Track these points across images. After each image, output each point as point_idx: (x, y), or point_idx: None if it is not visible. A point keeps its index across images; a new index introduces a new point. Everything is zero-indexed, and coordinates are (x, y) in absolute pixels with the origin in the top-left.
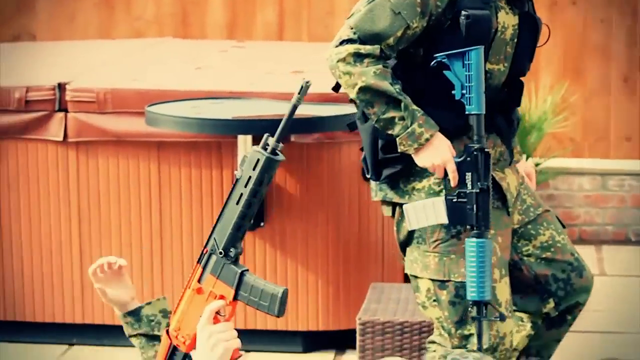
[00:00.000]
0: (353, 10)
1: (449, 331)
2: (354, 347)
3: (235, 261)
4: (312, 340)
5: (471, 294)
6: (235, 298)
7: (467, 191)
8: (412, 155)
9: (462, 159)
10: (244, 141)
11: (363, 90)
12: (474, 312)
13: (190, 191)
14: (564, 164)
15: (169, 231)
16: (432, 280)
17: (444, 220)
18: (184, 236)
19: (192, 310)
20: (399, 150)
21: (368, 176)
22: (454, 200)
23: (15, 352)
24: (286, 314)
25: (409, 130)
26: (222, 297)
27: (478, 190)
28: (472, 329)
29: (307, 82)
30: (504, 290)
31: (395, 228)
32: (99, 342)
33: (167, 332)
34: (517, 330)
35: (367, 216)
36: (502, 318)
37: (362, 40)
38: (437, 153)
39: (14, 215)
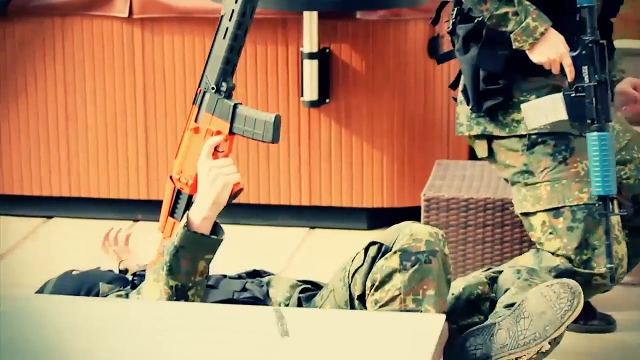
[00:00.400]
0: None
1: (569, 259)
2: None
3: (228, 96)
4: (377, 217)
5: (596, 189)
6: (231, 131)
7: (585, 85)
8: (527, 52)
9: (577, 52)
10: (309, 18)
11: None
12: (600, 208)
13: (256, 68)
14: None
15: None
16: (547, 210)
17: (564, 116)
18: (168, 110)
19: (192, 150)
20: (513, 47)
21: (469, 106)
22: (572, 95)
23: None
24: (351, 191)
25: (523, 24)
26: (218, 133)
27: (596, 83)
28: (589, 252)
29: None
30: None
31: (494, 166)
32: (78, 214)
33: (171, 177)
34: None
35: (433, 94)
36: (628, 213)
37: None
38: (552, 47)
39: (79, 92)
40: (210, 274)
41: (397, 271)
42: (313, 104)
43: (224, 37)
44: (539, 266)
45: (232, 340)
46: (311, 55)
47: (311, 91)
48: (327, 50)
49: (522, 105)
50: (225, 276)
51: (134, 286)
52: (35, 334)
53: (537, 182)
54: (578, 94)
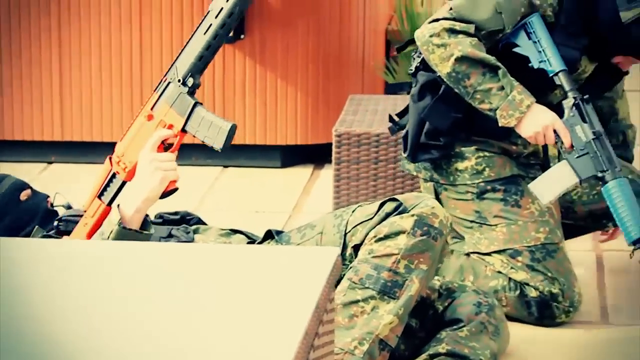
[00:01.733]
0: None
1: (535, 284)
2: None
3: (191, 93)
4: (291, 155)
5: (633, 234)
6: (184, 128)
7: (585, 142)
8: (515, 128)
9: (565, 117)
10: None
11: (460, 60)
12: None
13: (171, 2)
14: None
15: (149, 47)
16: (502, 251)
17: (576, 179)
18: (164, 52)
19: (140, 136)
20: (499, 125)
21: (404, 155)
22: (576, 156)
23: None
24: (265, 128)
25: (509, 98)
26: (171, 127)
27: (594, 137)
28: (554, 286)
29: None
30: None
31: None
32: (77, 159)
33: (110, 158)
34: None
35: (348, 29)
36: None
37: (458, 21)
38: (540, 117)
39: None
40: None
41: (406, 233)
42: (227, 40)
43: (204, 33)
44: (513, 294)
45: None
46: None
47: None
48: None
49: (529, 186)
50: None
51: (58, 232)
52: None
53: (492, 225)
54: (581, 154)
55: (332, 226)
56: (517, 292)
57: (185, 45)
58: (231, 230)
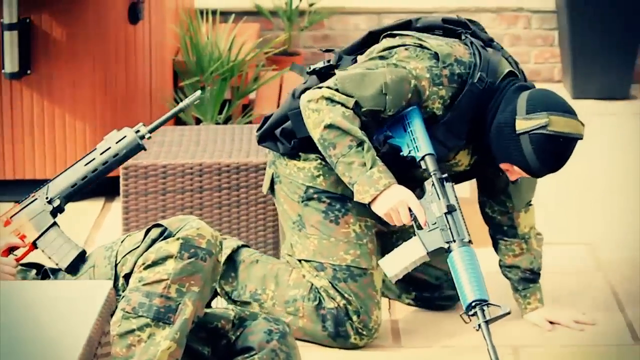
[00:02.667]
0: (353, 66)
1: (334, 296)
2: None
3: (54, 214)
4: None
5: (471, 295)
6: (35, 242)
7: (437, 217)
8: (370, 205)
9: (423, 197)
10: None
11: (329, 127)
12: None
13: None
14: (339, 3)
15: None
16: (311, 261)
17: (423, 251)
18: None
19: None
20: (354, 199)
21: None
22: (428, 230)
23: None
24: (54, 162)
25: (368, 174)
26: (23, 237)
27: (446, 211)
28: (351, 308)
29: (199, 96)
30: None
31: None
32: None
33: None
34: None
35: (135, 60)
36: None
37: (340, 92)
38: (395, 195)
39: None
40: None
41: (173, 257)
42: (14, 76)
43: (85, 164)
44: (311, 304)
45: None
46: (11, 27)
47: (12, 63)
48: (28, 21)
49: (379, 262)
50: None
51: None
52: None
53: (307, 234)
54: (432, 228)
55: (103, 258)
56: (315, 302)
57: (65, 170)
58: (28, 264)
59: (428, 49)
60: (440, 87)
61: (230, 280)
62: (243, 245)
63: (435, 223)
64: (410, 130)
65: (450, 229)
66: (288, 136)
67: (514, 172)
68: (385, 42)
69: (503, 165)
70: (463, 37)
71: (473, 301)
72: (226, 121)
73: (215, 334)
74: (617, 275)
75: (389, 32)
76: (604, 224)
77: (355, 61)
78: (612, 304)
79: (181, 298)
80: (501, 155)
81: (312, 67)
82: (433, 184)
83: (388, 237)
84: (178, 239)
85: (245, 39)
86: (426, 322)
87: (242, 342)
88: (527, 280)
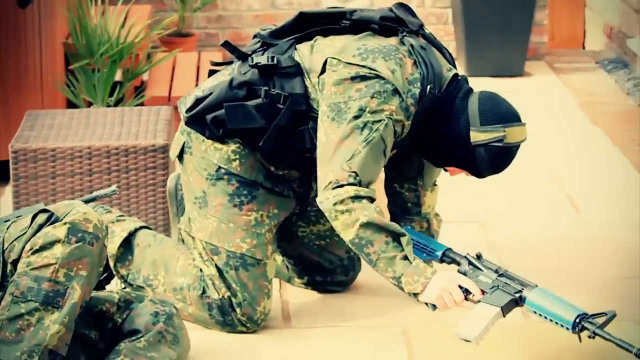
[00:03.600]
0: (351, 151)
1: (219, 287)
2: None
3: None
4: None
5: (569, 319)
6: None
7: (491, 282)
8: (419, 294)
9: (464, 270)
10: None
11: (365, 225)
12: None
13: None
14: None
15: None
16: (207, 242)
17: (497, 309)
18: None
19: None
20: (404, 291)
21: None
22: (488, 295)
23: None
24: None
25: (414, 264)
26: None
27: (498, 274)
28: (235, 298)
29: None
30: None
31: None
32: None
33: None
34: None
35: (25, 44)
36: None
37: (362, 183)
38: (442, 278)
39: None
40: None
41: (60, 242)
42: None
43: None
44: (196, 293)
45: None
46: None
47: None
48: None
49: (456, 334)
50: None
51: None
52: None
53: (208, 214)
54: (492, 291)
55: None
56: (200, 291)
57: None
58: None
59: (385, 80)
60: (410, 114)
61: (127, 264)
62: (142, 227)
63: (492, 287)
64: (416, 242)
65: (511, 285)
66: (218, 124)
67: (456, 171)
68: (337, 77)
69: (449, 167)
70: (400, 36)
71: (576, 317)
72: (117, 103)
73: (101, 318)
74: (509, 254)
75: (323, 28)
76: (497, 202)
77: (296, 44)
78: None
79: (69, 282)
80: (451, 162)
81: (256, 60)
82: (470, 263)
83: (287, 217)
84: (65, 223)
85: (135, 21)
86: (316, 303)
87: (129, 324)
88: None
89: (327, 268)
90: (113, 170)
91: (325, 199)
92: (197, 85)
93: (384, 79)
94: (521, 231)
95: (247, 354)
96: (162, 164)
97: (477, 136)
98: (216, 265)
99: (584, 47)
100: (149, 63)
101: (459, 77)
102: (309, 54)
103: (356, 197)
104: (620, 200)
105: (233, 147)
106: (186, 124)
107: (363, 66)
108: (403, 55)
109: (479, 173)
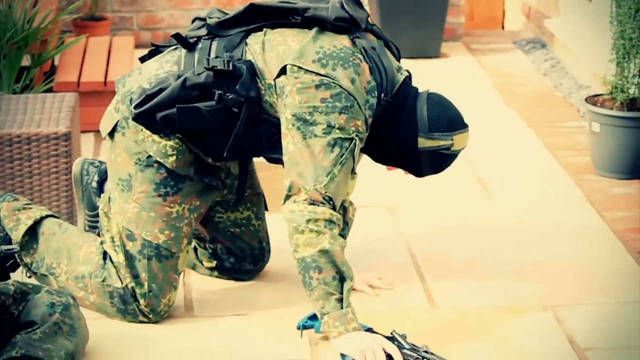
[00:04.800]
0: (325, 171)
1: (124, 276)
2: None
3: None
4: None
5: None
6: None
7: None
8: (332, 339)
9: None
10: None
11: (324, 253)
12: None
13: None
14: None
15: None
16: (123, 227)
17: None
18: None
19: None
20: (319, 329)
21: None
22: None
23: None
24: None
25: (343, 311)
26: None
27: (421, 350)
28: (141, 288)
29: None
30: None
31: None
32: None
33: None
34: None
35: None
36: None
37: (335, 209)
38: (367, 337)
39: None
40: None
41: None
42: None
43: None
44: (97, 281)
45: None
46: None
47: None
48: None
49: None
50: None
51: None
52: None
53: (129, 199)
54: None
55: None
56: (101, 279)
57: None
58: None
59: (347, 92)
60: (368, 126)
61: (32, 252)
62: (49, 215)
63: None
64: None
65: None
66: (168, 122)
67: (393, 167)
68: (300, 86)
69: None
70: (351, 37)
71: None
72: (24, 89)
73: None
74: (416, 239)
75: (273, 23)
76: (406, 187)
77: (246, 38)
78: (410, 269)
79: None
80: (394, 163)
81: (212, 64)
82: (396, 340)
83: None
84: None
85: (41, 6)
86: (219, 291)
87: (25, 316)
88: None
89: (237, 255)
90: (15, 159)
91: (298, 211)
92: (132, 69)
93: (346, 90)
94: (431, 216)
95: (149, 344)
96: (65, 152)
97: (425, 142)
98: (126, 253)
99: (503, 28)
100: (58, 48)
101: (407, 78)
102: (261, 51)
103: (330, 222)
104: (532, 182)
105: (172, 142)
106: (134, 119)
107: (325, 75)
108: (360, 60)
109: (420, 174)
